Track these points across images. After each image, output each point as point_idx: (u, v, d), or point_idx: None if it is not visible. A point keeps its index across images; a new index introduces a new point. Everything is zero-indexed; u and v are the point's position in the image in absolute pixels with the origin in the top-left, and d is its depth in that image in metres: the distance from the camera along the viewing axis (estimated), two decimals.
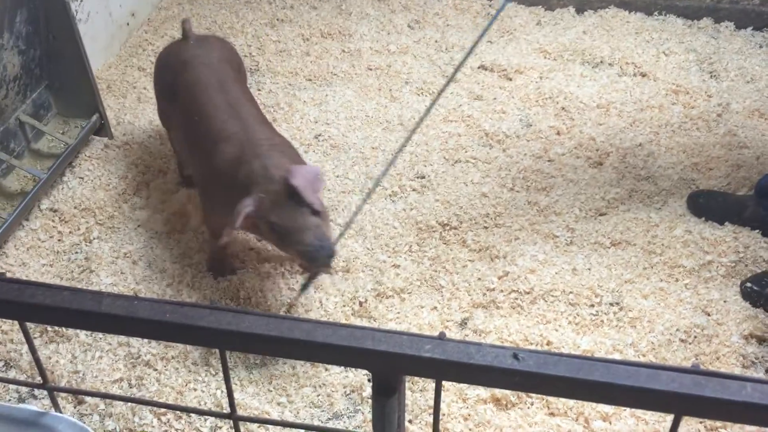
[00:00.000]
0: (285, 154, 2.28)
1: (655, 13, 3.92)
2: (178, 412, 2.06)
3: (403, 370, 0.84)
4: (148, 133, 3.15)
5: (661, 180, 2.86)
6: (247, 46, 3.72)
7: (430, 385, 2.14)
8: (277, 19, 3.96)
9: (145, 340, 2.25)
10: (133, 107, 3.30)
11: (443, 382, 2.11)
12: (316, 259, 2.07)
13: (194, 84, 2.47)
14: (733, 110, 3.21)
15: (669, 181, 2.86)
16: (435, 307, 2.39)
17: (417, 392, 2.14)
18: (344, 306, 2.39)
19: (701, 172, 2.90)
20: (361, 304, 2.39)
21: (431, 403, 2.09)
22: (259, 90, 3.43)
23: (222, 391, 2.14)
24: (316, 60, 3.65)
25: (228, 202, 2.13)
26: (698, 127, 3.12)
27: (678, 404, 0.77)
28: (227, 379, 0.95)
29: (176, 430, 2.04)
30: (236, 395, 2.13)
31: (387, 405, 0.84)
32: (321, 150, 3.07)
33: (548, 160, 3.00)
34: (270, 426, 2.04)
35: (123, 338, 2.27)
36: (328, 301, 2.40)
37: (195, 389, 2.15)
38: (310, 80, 3.52)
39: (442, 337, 0.83)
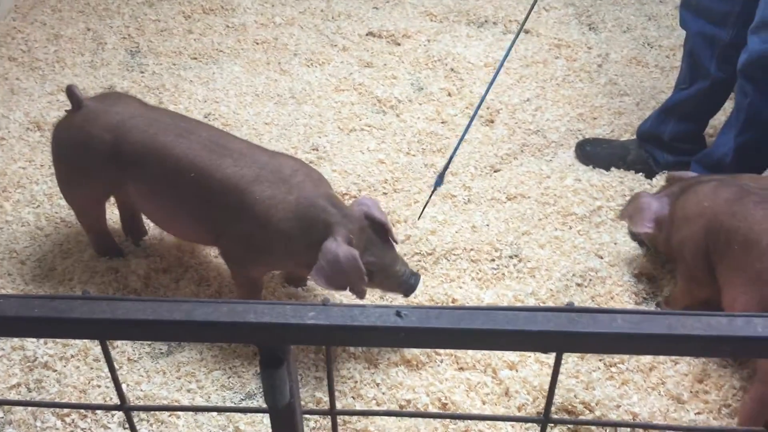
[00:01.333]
0: (312, 177, 2.10)
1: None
2: (83, 411, 1.99)
3: (289, 340, 0.83)
4: (24, 126, 2.98)
5: (550, 132, 2.95)
6: (125, 27, 3.57)
7: (340, 355, 2.15)
8: None
9: (41, 341, 2.16)
10: (6, 100, 3.11)
11: (353, 350, 2.13)
12: (413, 288, 2.06)
13: (156, 143, 2.08)
14: (612, 60, 3.34)
15: (557, 133, 2.95)
16: None
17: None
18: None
19: (586, 122, 3.00)
20: None
21: (343, 372, 2.10)
22: (142, 72, 3.30)
23: (128, 385, 2.08)
24: (200, 37, 3.54)
25: (287, 251, 2.01)
26: (581, 79, 3.23)
27: (556, 342, 0.80)
28: (112, 371, 0.92)
29: (82, 429, 1.97)
30: (143, 386, 2.07)
31: (276, 376, 0.83)
32: None
33: (441, 122, 3.04)
34: (183, 414, 2.01)
35: (17, 341, 2.17)
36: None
37: (99, 386, 2.07)
38: (195, 59, 3.41)
39: (325, 303, 0.82)
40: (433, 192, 2.48)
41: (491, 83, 2.47)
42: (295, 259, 2.05)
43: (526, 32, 3.52)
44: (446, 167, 2.45)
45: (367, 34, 3.58)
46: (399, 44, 3.51)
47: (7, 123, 2.99)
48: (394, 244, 2.09)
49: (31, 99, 3.11)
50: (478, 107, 2.49)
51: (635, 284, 2.34)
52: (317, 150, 2.89)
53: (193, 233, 2.23)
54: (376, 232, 2.03)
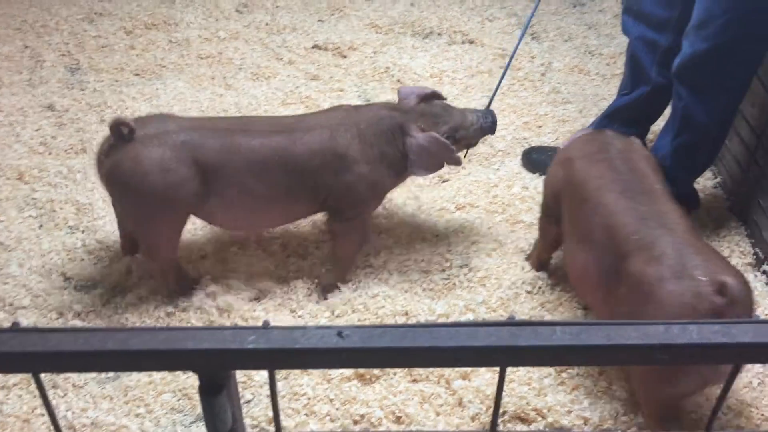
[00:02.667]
0: (356, 107, 2.38)
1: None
2: None
3: (229, 366, 0.81)
4: None
5: (496, 141, 2.98)
6: (65, 44, 3.49)
7: (293, 372, 2.13)
8: (95, 13, 3.74)
9: None
10: None
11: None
12: (494, 124, 2.35)
13: (233, 145, 2.14)
14: (555, 69, 3.39)
15: (503, 142, 2.98)
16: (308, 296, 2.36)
17: (280, 380, 2.11)
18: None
19: (532, 130, 3.05)
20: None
21: (296, 389, 2.08)
22: (83, 90, 3.23)
23: (74, 412, 2.02)
24: (142, 53, 3.48)
25: (389, 170, 2.27)
26: (525, 88, 3.28)
27: (498, 357, 0.80)
28: (47, 405, 0.88)
29: None
30: (90, 413, 2.01)
31: (216, 403, 0.81)
32: None
33: None
34: None
35: None
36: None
37: (42, 414, 2.01)
38: (137, 75, 3.36)
39: (266, 325, 0.81)
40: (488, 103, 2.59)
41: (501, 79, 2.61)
42: (397, 172, 2.29)
43: (471, 42, 3.56)
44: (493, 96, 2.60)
45: (312, 47, 3.57)
46: (345, 56, 3.51)
47: None
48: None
49: None
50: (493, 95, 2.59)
51: None
52: None
53: (291, 213, 2.32)
54: (434, 104, 2.29)
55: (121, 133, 2.08)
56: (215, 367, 0.82)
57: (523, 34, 2.60)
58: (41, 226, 2.58)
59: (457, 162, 2.29)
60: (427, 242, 2.52)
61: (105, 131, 2.91)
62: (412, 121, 2.23)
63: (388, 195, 2.48)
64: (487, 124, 2.33)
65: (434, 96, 2.33)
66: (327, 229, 2.43)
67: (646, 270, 1.76)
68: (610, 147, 2.10)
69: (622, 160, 2.05)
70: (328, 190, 2.23)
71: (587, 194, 1.99)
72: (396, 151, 2.24)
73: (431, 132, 2.21)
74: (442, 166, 2.29)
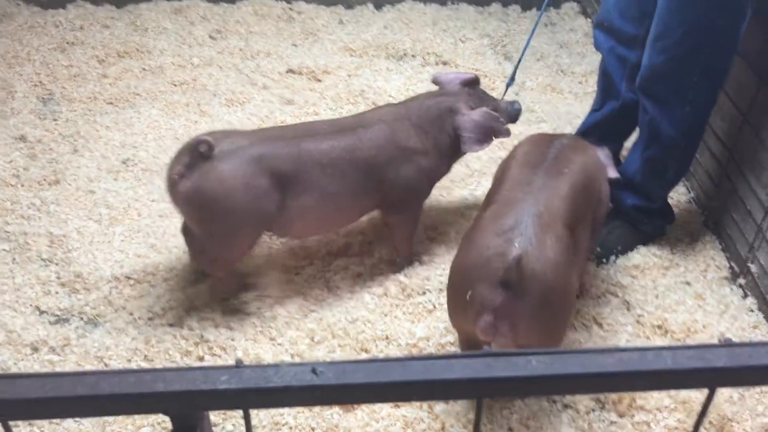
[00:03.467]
0: (399, 101, 2.54)
1: (449, 2, 4.09)
2: None
3: (201, 406, 0.80)
4: None
5: (472, 161, 2.99)
6: (36, 74, 3.47)
7: None
8: (67, 42, 3.72)
9: None
10: None
11: None
12: (519, 112, 2.56)
13: (303, 152, 2.22)
14: (528, 87, 3.42)
15: (479, 162, 2.99)
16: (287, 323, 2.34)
17: (260, 410, 2.09)
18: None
19: (506, 150, 3.04)
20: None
21: (277, 418, 2.05)
22: (56, 120, 3.20)
23: None
24: (116, 81, 3.47)
25: (442, 153, 2.42)
26: None
27: (474, 389, 0.80)
28: None
29: None
30: None
31: None
32: (132, 175, 2.92)
33: None
34: None
35: None
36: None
37: None
38: (111, 103, 3.34)
39: (239, 364, 0.80)
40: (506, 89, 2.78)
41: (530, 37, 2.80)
42: (449, 157, 2.44)
43: (444, 63, 3.59)
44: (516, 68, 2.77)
45: (287, 72, 3.57)
46: (320, 80, 3.52)
47: None
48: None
49: None
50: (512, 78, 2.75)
51: None
52: None
53: (358, 210, 2.40)
54: (476, 89, 2.47)
55: (200, 151, 2.09)
56: (187, 409, 0.81)
57: (535, 27, 2.84)
58: (14, 259, 2.54)
59: (507, 133, 2.41)
60: (411, 267, 2.51)
61: (78, 161, 2.93)
62: (462, 101, 2.40)
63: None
64: (513, 112, 2.53)
65: (475, 81, 2.49)
66: (383, 222, 2.52)
67: (481, 215, 1.92)
68: (556, 141, 2.14)
69: (557, 149, 2.08)
70: (391, 184, 2.33)
71: (505, 167, 2.10)
72: (446, 136, 2.39)
73: (481, 108, 2.38)
74: (491, 140, 2.41)
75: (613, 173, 2.20)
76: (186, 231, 2.39)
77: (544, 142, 2.16)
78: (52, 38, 3.76)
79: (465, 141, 2.37)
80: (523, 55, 2.75)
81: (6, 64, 3.54)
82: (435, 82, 2.53)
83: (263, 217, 2.20)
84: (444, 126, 2.38)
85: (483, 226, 1.90)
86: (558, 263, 1.79)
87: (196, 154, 2.11)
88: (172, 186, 2.16)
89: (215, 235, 2.22)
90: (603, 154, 2.23)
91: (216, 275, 2.38)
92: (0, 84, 3.41)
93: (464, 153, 2.47)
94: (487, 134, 2.38)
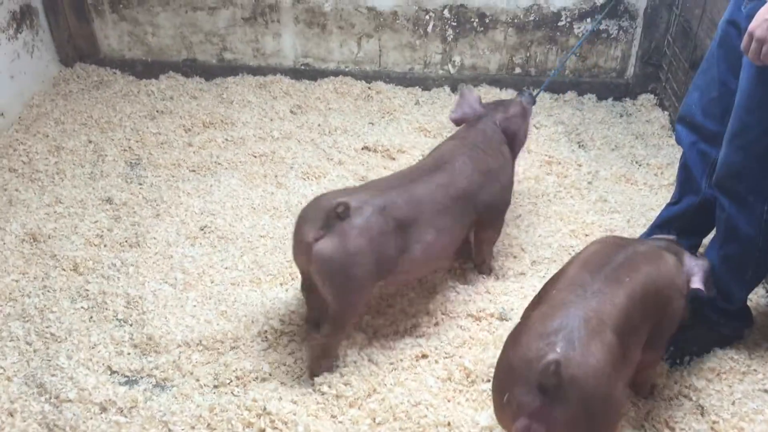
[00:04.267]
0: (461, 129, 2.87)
1: (524, 89, 4.16)
2: None
3: None
4: (20, 237, 2.99)
5: (543, 249, 2.97)
6: (126, 139, 3.65)
7: None
8: (157, 111, 3.92)
9: None
10: (4, 211, 3.14)
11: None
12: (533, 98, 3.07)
13: (414, 195, 2.44)
14: (602, 177, 3.41)
15: (550, 250, 2.97)
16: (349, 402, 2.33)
17: None
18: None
19: (578, 238, 3.04)
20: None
21: None
22: (141, 184, 3.35)
23: None
24: (199, 150, 3.62)
25: (509, 159, 2.85)
26: (572, 195, 3.29)
27: None
28: None
29: None
30: None
31: None
32: (208, 242, 3.01)
33: None
34: None
35: None
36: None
37: None
38: (193, 171, 3.48)
39: None
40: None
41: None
42: (511, 157, 2.82)
43: None
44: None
45: (362, 149, 3.66)
46: (394, 158, 3.59)
47: (2, 234, 3.00)
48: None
49: (29, 210, 3.14)
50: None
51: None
52: None
53: (462, 236, 2.61)
54: (493, 102, 2.97)
55: (338, 212, 2.21)
56: None
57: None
58: (91, 317, 2.63)
59: (531, 102, 3.03)
60: (474, 349, 2.49)
61: (159, 225, 3.05)
62: (499, 111, 2.85)
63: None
64: (528, 96, 3.02)
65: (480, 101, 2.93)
66: (475, 239, 2.79)
67: (529, 314, 1.99)
68: (630, 247, 2.12)
69: (626, 255, 2.08)
70: (485, 204, 2.62)
71: (566, 266, 2.14)
72: (505, 146, 2.78)
73: (512, 105, 2.91)
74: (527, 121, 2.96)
75: (697, 283, 2.14)
76: (308, 295, 2.52)
77: (614, 246, 2.13)
78: (144, 106, 3.96)
79: (520, 138, 2.93)
80: (554, 73, 3.21)
81: (99, 129, 3.75)
82: (459, 119, 2.87)
83: (388, 265, 2.33)
84: (500, 140, 2.76)
85: (528, 326, 1.87)
86: (602, 371, 1.74)
87: (333, 215, 2.21)
88: (308, 249, 2.23)
89: (348, 291, 2.29)
90: (696, 264, 2.18)
91: (333, 342, 2.39)
92: (92, 147, 3.60)
93: (518, 152, 2.92)
94: (528, 123, 2.97)
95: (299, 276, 2.80)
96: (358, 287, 2.29)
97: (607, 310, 1.87)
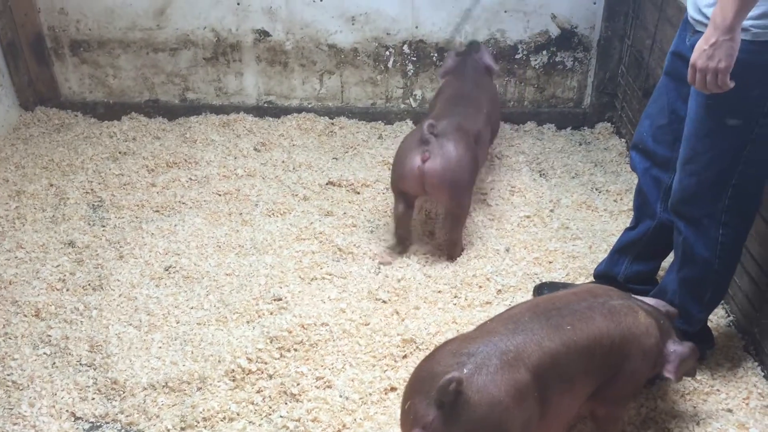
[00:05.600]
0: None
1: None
2: None
3: None
4: None
5: (508, 277, 3.00)
6: (88, 182, 3.63)
7: None
8: (120, 152, 3.91)
9: None
10: None
11: None
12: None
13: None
14: (564, 204, 3.47)
15: (515, 278, 3.00)
16: None
17: None
18: None
19: (542, 266, 3.08)
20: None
21: None
22: (104, 226, 3.33)
23: None
24: (163, 190, 3.61)
25: None
26: (535, 224, 3.34)
27: None
28: None
29: None
30: None
31: None
32: (173, 282, 2.99)
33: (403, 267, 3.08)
34: None
35: None
36: None
37: None
38: (157, 211, 3.46)
39: None
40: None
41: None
42: None
43: (480, 180, 3.67)
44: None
45: (327, 184, 3.69)
46: (358, 192, 3.62)
47: None
48: None
49: None
50: None
51: None
52: (279, 300, 2.88)
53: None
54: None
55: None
56: None
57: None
58: (54, 363, 2.59)
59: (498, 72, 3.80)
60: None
61: (122, 267, 3.02)
62: (472, 52, 3.62)
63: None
64: (476, 45, 3.66)
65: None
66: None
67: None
68: (600, 299, 2.11)
69: (586, 305, 2.06)
70: (492, 122, 3.46)
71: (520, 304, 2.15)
72: (488, 75, 3.63)
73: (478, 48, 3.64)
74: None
75: (669, 372, 2.13)
76: (402, 215, 3.14)
77: (586, 293, 2.12)
78: (106, 148, 3.95)
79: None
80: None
81: (61, 172, 3.72)
82: (446, 71, 3.61)
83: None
84: (483, 70, 3.61)
85: (448, 344, 1.94)
86: (500, 402, 1.77)
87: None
88: (420, 171, 2.91)
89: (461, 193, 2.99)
90: (675, 352, 2.14)
91: (457, 234, 3.13)
92: (54, 191, 3.57)
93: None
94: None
95: (266, 313, 2.80)
96: (467, 187, 3.00)
97: (529, 349, 1.89)
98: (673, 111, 2.45)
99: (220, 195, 3.58)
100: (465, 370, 1.77)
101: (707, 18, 2.07)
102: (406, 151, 2.98)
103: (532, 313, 2.01)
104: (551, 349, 1.92)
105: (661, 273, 2.86)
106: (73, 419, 2.38)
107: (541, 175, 3.74)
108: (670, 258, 2.73)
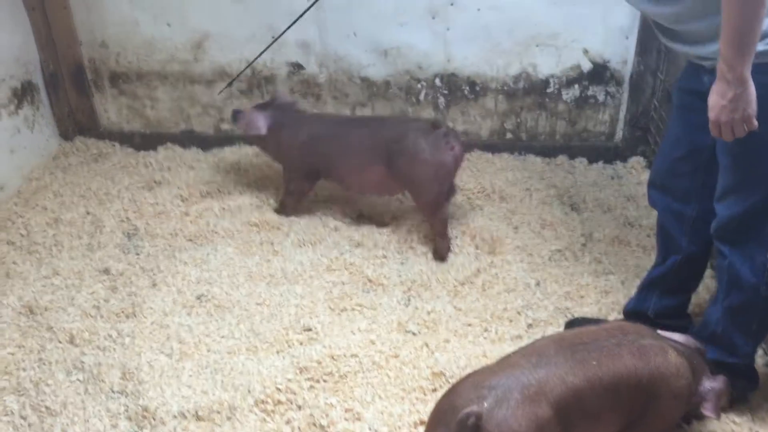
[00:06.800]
0: None
1: (516, 153, 4.24)
2: None
3: None
4: (17, 310, 3.00)
5: (539, 311, 2.98)
6: (124, 210, 3.69)
7: None
8: (155, 182, 3.97)
9: None
10: (1, 284, 3.15)
11: None
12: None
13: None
14: (596, 239, 3.44)
15: (546, 312, 2.98)
16: None
17: None
18: None
19: (574, 300, 3.05)
20: None
21: None
22: (138, 254, 3.38)
23: None
24: (196, 219, 3.65)
25: None
26: (566, 257, 3.32)
27: None
28: None
29: None
30: None
31: None
32: (204, 311, 3.02)
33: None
34: None
35: None
36: None
37: None
38: (190, 240, 3.50)
39: None
40: None
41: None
42: None
43: (512, 213, 3.66)
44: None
45: (357, 216, 3.70)
46: (387, 225, 3.63)
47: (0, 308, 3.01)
48: None
49: (26, 283, 3.16)
50: None
51: None
52: (309, 330, 2.89)
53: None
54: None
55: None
56: None
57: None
58: (86, 390, 2.61)
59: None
60: None
61: (155, 295, 3.05)
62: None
63: None
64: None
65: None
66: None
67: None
68: (630, 336, 2.09)
69: (615, 342, 2.04)
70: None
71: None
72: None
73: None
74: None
75: (709, 410, 2.10)
76: None
77: (616, 330, 2.10)
78: (142, 177, 4.02)
79: None
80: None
81: (97, 200, 3.79)
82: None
83: None
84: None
85: (471, 376, 1.94)
86: None
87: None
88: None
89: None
90: (712, 389, 2.12)
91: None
92: (90, 219, 3.63)
93: None
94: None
95: (296, 343, 2.80)
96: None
97: (552, 383, 1.87)
98: (692, 141, 2.43)
99: (251, 225, 3.62)
100: (485, 404, 1.76)
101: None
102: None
103: (557, 346, 1.99)
104: (575, 384, 1.90)
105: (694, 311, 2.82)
106: None
107: (572, 209, 3.72)
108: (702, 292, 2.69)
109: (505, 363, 1.98)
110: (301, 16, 3.47)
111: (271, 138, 3.61)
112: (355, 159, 3.43)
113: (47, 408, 2.52)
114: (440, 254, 3.35)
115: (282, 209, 3.70)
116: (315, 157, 3.53)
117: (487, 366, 2.02)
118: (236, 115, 3.68)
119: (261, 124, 3.59)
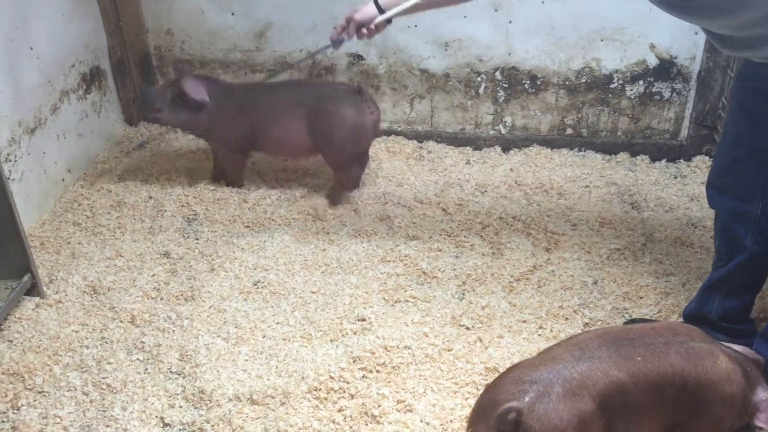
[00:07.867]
0: None
1: (576, 149, 4.17)
2: None
3: None
4: (81, 289, 3.09)
5: (596, 311, 2.93)
6: (185, 195, 3.76)
7: None
8: None
9: None
10: (67, 263, 3.25)
11: None
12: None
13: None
14: (657, 239, 3.37)
15: (602, 312, 2.92)
16: None
17: None
18: None
19: (632, 301, 2.99)
20: None
21: None
22: (197, 239, 3.44)
23: None
24: (254, 206, 3.70)
25: None
26: (625, 257, 3.25)
27: None
28: None
29: None
30: None
31: None
32: (260, 297, 3.06)
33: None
34: None
35: None
36: None
37: None
38: (248, 227, 3.55)
39: None
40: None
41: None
42: None
43: (569, 209, 3.60)
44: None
45: (410, 209, 3.70)
46: (441, 219, 3.61)
47: (65, 286, 3.10)
48: None
49: (90, 263, 3.25)
50: None
51: None
52: (363, 321, 2.90)
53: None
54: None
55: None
56: None
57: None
58: (146, 369, 2.68)
59: None
60: None
61: (213, 280, 3.11)
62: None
63: None
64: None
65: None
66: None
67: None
68: (679, 336, 2.02)
69: (663, 341, 1.98)
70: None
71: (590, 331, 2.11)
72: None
73: None
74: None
75: (762, 422, 2.03)
76: None
77: (666, 330, 2.05)
78: (202, 164, 4.09)
79: None
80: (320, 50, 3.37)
81: (159, 185, 3.88)
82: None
83: None
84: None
85: (512, 370, 1.92)
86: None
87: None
88: None
89: None
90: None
91: None
92: (152, 203, 3.72)
93: None
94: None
95: (350, 332, 2.82)
96: None
97: (595, 377, 1.84)
98: (755, 140, 2.35)
99: (308, 214, 3.65)
100: (526, 398, 1.75)
101: None
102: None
103: (601, 340, 1.96)
104: (618, 378, 1.86)
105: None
106: (161, 425, 2.46)
107: (633, 208, 3.64)
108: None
109: (547, 356, 1.95)
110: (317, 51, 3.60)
111: (203, 112, 3.60)
112: (281, 117, 3.56)
113: (108, 385, 2.60)
114: (334, 200, 3.65)
115: (232, 185, 3.82)
116: (244, 127, 3.62)
117: (529, 359, 2.00)
118: (153, 91, 3.65)
119: (203, 91, 3.55)
